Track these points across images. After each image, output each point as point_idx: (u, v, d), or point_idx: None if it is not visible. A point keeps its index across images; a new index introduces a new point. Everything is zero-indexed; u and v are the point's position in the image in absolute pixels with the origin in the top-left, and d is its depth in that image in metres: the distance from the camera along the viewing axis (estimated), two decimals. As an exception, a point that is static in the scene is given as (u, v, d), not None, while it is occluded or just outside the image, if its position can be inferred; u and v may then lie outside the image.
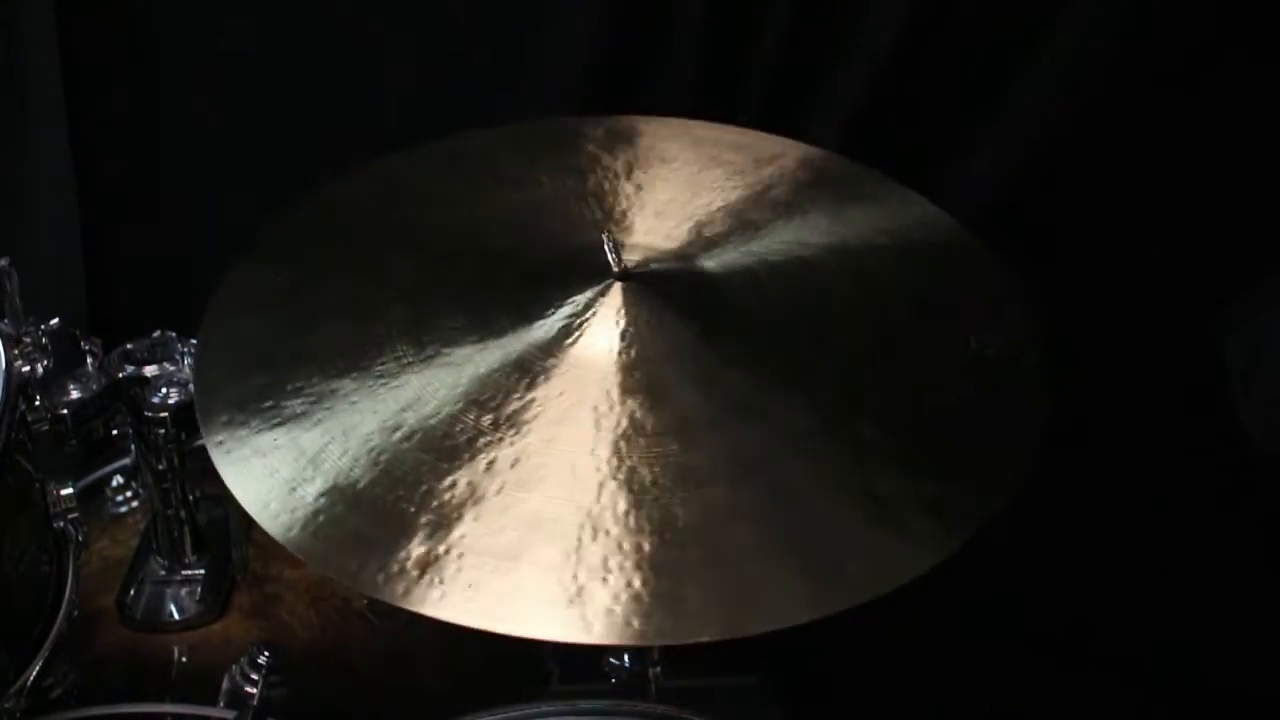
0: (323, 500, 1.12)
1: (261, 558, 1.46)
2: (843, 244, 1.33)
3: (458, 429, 1.15)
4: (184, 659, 1.43)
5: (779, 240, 1.32)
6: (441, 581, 1.06)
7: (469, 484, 1.12)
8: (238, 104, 1.90)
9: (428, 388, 1.18)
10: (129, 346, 1.39)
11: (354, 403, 1.18)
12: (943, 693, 1.81)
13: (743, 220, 1.34)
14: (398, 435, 1.15)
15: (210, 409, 1.20)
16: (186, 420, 1.36)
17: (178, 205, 1.94)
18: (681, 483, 1.11)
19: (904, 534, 1.10)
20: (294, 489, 1.13)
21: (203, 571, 1.46)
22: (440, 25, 1.87)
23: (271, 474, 1.14)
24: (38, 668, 1.26)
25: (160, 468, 1.40)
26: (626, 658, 1.32)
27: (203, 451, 1.28)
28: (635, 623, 1.04)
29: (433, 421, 1.16)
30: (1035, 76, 1.82)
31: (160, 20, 1.86)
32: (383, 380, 1.19)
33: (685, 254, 1.30)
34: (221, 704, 1.32)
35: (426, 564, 1.08)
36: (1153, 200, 1.82)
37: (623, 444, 1.14)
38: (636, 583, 1.06)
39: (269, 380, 1.21)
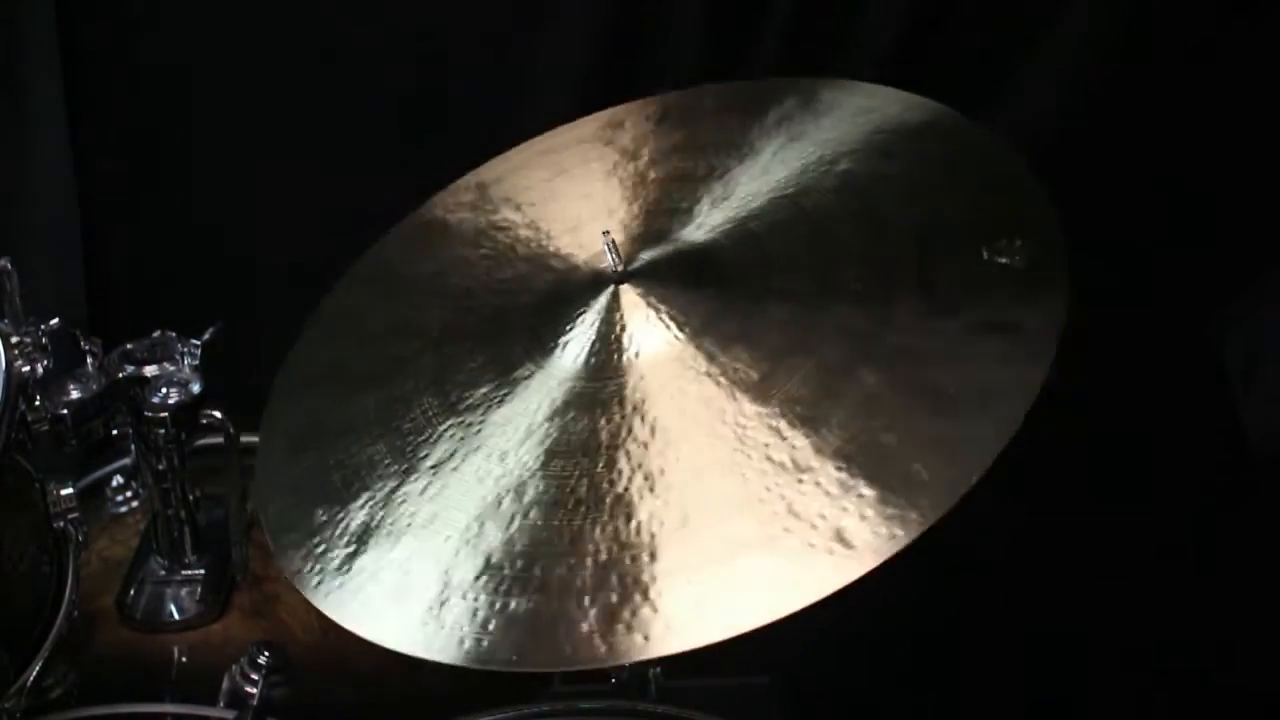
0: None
1: (261, 558, 1.46)
2: (819, 161, 1.29)
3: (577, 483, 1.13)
4: (184, 659, 1.43)
5: (754, 182, 1.30)
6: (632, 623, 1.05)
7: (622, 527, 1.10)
8: (238, 104, 1.90)
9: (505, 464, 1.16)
10: (129, 346, 1.39)
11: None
12: (942, 692, 1.81)
13: (705, 177, 1.32)
14: (514, 517, 1.13)
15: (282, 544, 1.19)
16: (186, 420, 1.37)
17: (178, 205, 1.94)
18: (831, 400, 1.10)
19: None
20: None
21: (203, 571, 1.46)
22: (440, 24, 1.87)
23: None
24: (38, 668, 1.26)
25: (160, 468, 1.40)
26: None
27: (203, 451, 1.29)
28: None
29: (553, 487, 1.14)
30: (1035, 77, 1.82)
31: (160, 20, 1.86)
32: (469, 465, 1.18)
33: (664, 234, 1.28)
34: (221, 704, 1.32)
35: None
36: (1153, 199, 1.82)
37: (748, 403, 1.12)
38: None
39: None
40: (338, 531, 1.17)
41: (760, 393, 1.12)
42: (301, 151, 1.91)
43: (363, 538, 1.16)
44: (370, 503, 1.18)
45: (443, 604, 1.10)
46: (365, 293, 1.39)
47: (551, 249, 1.33)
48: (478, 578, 1.10)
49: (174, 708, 1.35)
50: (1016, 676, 1.83)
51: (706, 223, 1.28)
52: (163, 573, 1.46)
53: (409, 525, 1.15)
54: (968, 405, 1.08)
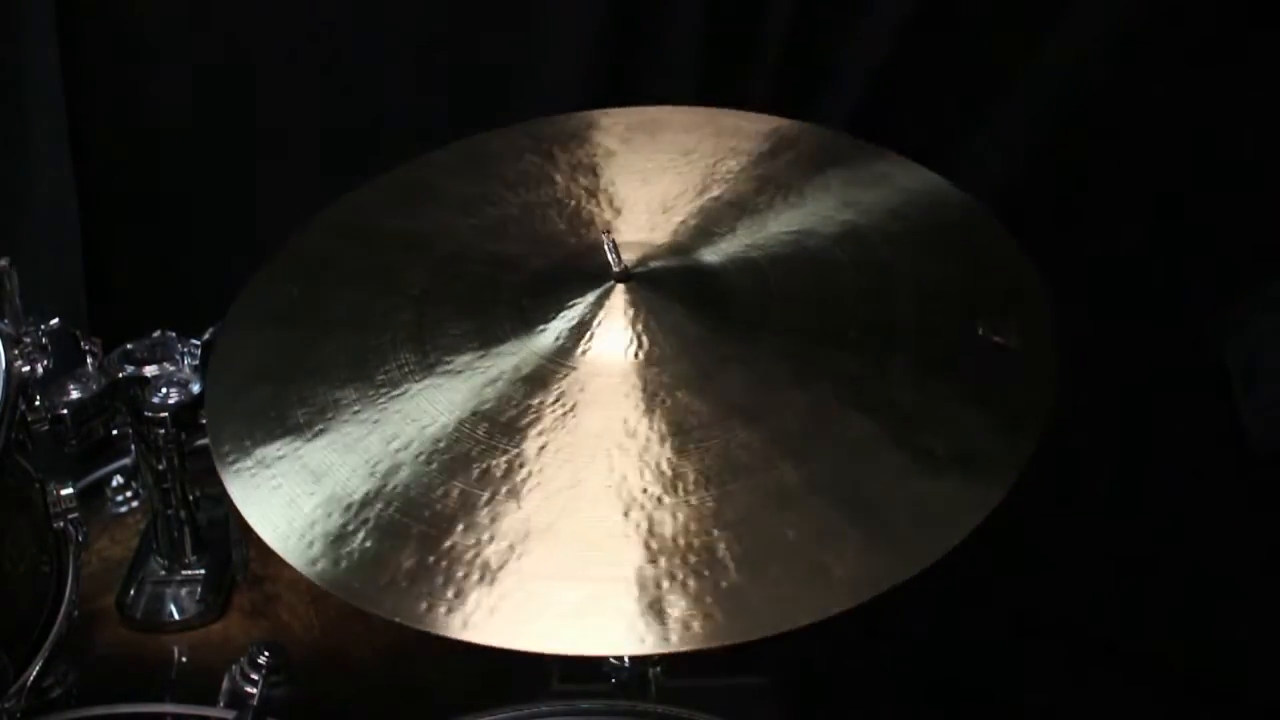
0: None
1: (261, 558, 1.46)
2: (850, 226, 1.30)
3: (471, 446, 1.14)
4: (184, 659, 1.43)
5: (779, 227, 1.30)
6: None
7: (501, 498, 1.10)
8: (238, 104, 1.90)
9: (436, 405, 1.17)
10: (129, 346, 1.39)
11: (361, 418, 1.17)
12: (943, 693, 1.81)
13: (738, 207, 1.32)
14: (421, 459, 1.14)
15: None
16: (186, 420, 1.37)
17: (177, 205, 1.94)
18: (730, 473, 1.10)
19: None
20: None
21: (203, 571, 1.46)
22: (440, 25, 1.87)
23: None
24: (38, 668, 1.26)
25: (160, 468, 1.40)
26: (626, 658, 1.32)
27: (203, 452, 1.29)
28: (711, 624, 1.03)
29: (455, 440, 1.14)
30: (1037, 77, 1.83)
31: (160, 21, 1.86)
32: (390, 398, 1.18)
33: (682, 248, 1.28)
34: (221, 704, 1.32)
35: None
36: (1153, 200, 1.82)
37: (656, 445, 1.12)
38: (707, 586, 1.04)
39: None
40: (296, 467, 1.16)
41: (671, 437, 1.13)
42: (302, 151, 1.91)
43: (321, 479, 1.15)
44: (330, 446, 1.17)
45: (327, 516, 1.11)
46: (339, 240, 1.37)
47: (575, 227, 1.32)
48: (364, 504, 1.11)
49: (174, 708, 1.35)
50: (1016, 677, 1.83)
51: (721, 247, 1.28)
52: (163, 573, 1.46)
53: (338, 429, 1.16)
54: (953, 470, 1.10)
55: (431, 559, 1.07)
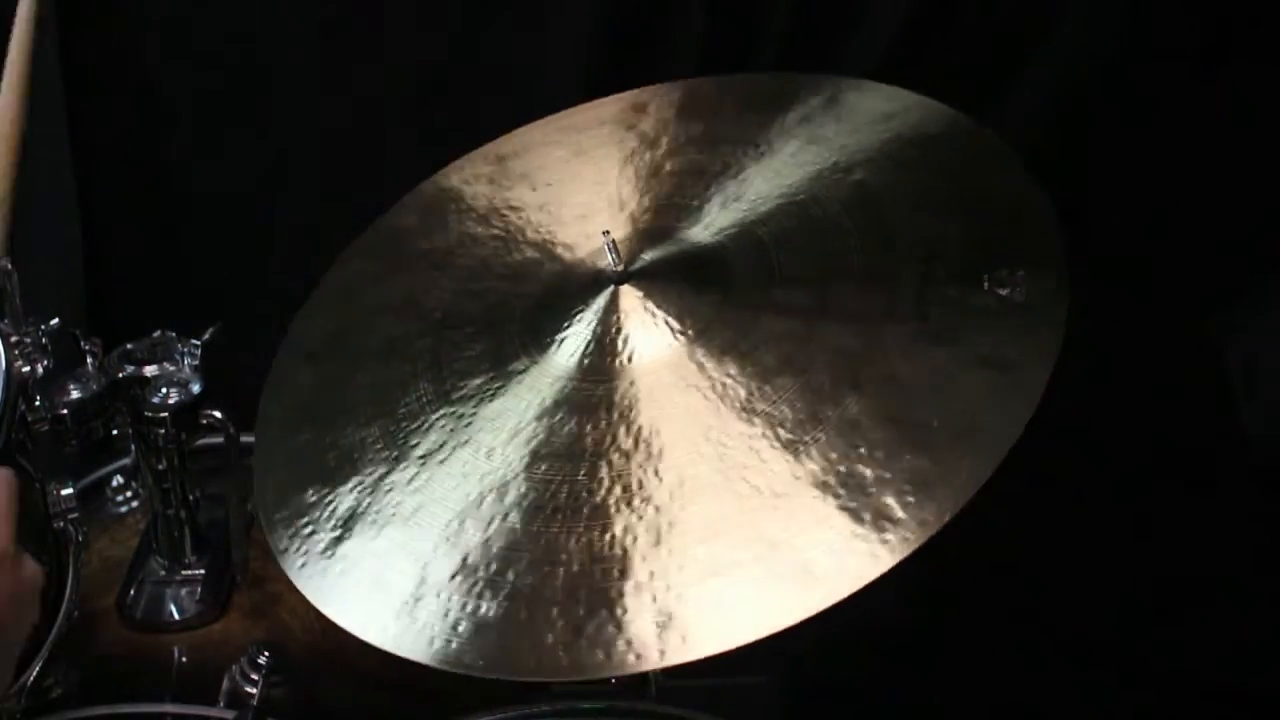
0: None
1: (261, 558, 1.46)
2: (833, 169, 1.27)
3: (558, 489, 1.12)
4: (184, 659, 1.42)
5: (765, 184, 1.28)
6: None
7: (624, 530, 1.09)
8: (238, 104, 1.90)
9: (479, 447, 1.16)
10: (129, 346, 1.39)
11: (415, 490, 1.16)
12: (943, 693, 1.81)
13: (717, 174, 1.30)
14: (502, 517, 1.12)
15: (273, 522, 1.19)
16: (186, 420, 1.37)
17: (178, 205, 1.94)
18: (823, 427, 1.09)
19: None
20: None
21: (203, 571, 1.46)
22: (440, 25, 1.87)
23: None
24: (38, 668, 1.26)
25: (160, 468, 1.40)
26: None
27: (203, 451, 1.29)
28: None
29: (534, 492, 1.13)
30: (1036, 76, 1.82)
31: (160, 21, 1.86)
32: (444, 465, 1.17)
33: (669, 232, 1.26)
34: (221, 704, 1.32)
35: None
36: (1153, 200, 1.82)
37: (744, 404, 1.11)
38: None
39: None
40: (325, 514, 1.17)
41: (746, 411, 1.11)
42: (302, 151, 1.91)
43: (349, 524, 1.15)
44: (359, 488, 1.17)
45: (417, 600, 1.09)
46: (372, 262, 1.37)
47: (559, 237, 1.31)
48: (452, 577, 1.09)
49: (174, 708, 1.35)
50: (1016, 677, 1.83)
51: (715, 224, 1.26)
52: (163, 573, 1.46)
53: (393, 515, 1.15)
54: (948, 441, 1.08)
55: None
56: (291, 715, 1.30)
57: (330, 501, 1.17)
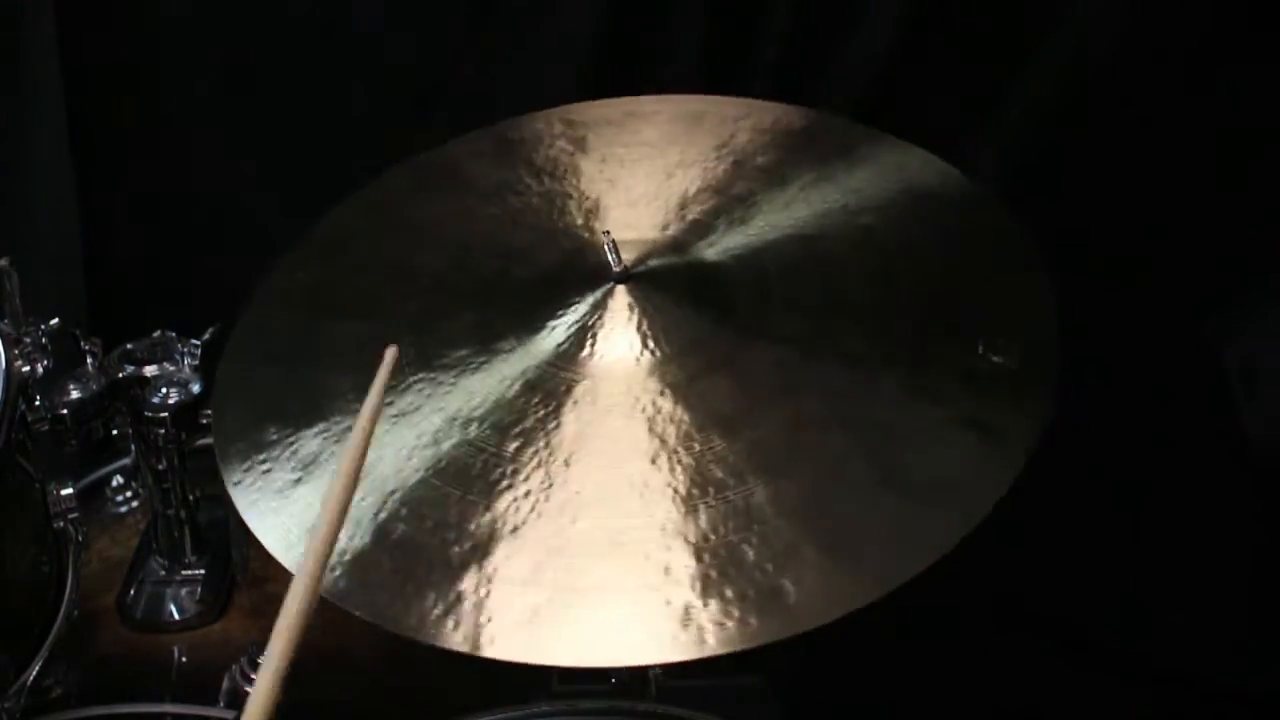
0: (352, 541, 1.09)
1: (261, 558, 1.46)
2: (843, 210, 1.28)
3: (482, 458, 1.12)
4: (184, 659, 1.43)
5: (775, 214, 1.28)
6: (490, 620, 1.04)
7: (505, 513, 1.09)
8: (238, 104, 1.90)
9: (446, 414, 1.16)
10: (129, 346, 1.39)
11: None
12: (942, 693, 1.81)
13: (730, 196, 1.30)
14: (420, 468, 1.13)
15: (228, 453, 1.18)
16: (186, 420, 1.37)
17: (178, 205, 1.94)
18: (751, 472, 1.09)
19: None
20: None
21: (203, 571, 1.46)
22: (440, 25, 1.87)
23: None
24: (38, 668, 1.26)
25: (160, 468, 1.40)
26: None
27: (203, 451, 1.28)
28: (747, 624, 1.02)
29: (461, 452, 1.13)
30: (1035, 76, 1.82)
31: (161, 20, 1.86)
32: (399, 411, 1.17)
33: (678, 243, 1.27)
34: (221, 704, 1.32)
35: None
36: (1153, 200, 1.82)
37: (672, 449, 1.11)
38: (730, 588, 1.04)
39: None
40: (285, 454, 1.16)
41: (666, 452, 1.11)
42: (302, 151, 1.91)
43: (309, 467, 1.15)
44: (324, 434, 1.17)
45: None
46: (365, 221, 1.37)
47: (562, 226, 1.31)
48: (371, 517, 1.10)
49: (174, 708, 1.35)
50: (1015, 676, 1.83)
51: (721, 242, 1.26)
52: (163, 573, 1.46)
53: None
54: (927, 495, 1.08)
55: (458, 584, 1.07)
56: (291, 715, 1.30)
57: (293, 443, 1.16)
